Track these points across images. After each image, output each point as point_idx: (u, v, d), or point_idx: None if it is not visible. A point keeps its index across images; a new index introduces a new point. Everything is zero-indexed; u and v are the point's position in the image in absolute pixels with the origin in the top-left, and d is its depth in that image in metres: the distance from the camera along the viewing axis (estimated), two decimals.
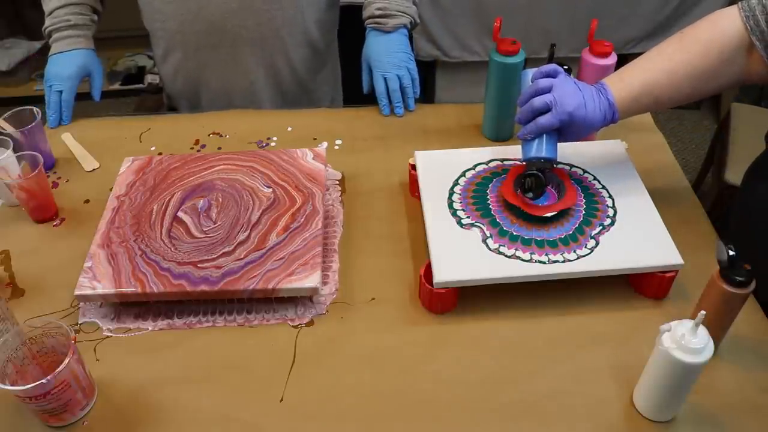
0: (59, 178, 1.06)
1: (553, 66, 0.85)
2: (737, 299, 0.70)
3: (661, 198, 0.90)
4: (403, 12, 1.17)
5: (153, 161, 0.99)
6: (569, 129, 0.83)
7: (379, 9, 1.16)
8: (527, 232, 0.84)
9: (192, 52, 1.20)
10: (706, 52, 0.80)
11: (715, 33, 0.80)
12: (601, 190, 0.90)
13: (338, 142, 1.11)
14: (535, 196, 0.86)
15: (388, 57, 1.14)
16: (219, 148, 1.10)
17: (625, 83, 0.83)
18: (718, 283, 0.70)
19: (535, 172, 0.85)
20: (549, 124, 0.82)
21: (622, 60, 0.89)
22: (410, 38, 1.21)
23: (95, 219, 0.91)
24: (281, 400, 0.75)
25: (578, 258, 0.81)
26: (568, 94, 0.82)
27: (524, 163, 0.87)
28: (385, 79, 1.14)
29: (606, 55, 0.98)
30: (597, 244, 0.83)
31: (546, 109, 0.82)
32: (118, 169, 0.99)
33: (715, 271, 0.71)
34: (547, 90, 0.83)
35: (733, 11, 0.80)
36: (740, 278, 0.69)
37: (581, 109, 0.81)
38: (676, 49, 0.82)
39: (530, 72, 0.89)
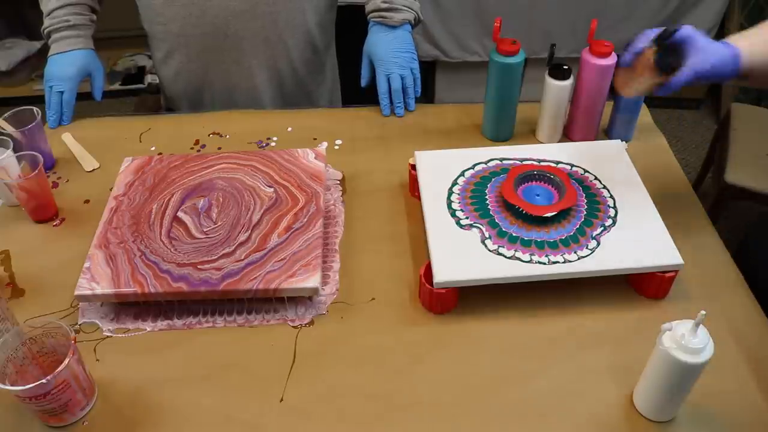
0: (59, 178, 1.06)
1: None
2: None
3: (661, 198, 0.90)
4: (408, 7, 1.17)
5: (152, 161, 0.99)
6: (692, 47, 0.79)
7: (385, 2, 1.15)
8: (527, 233, 0.84)
9: (195, 54, 1.19)
10: None
11: None
12: (602, 190, 0.90)
13: (338, 142, 1.11)
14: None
15: (392, 56, 1.14)
16: (219, 149, 1.10)
17: (745, 37, 0.80)
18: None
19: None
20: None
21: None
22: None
23: (95, 219, 0.91)
24: (281, 400, 0.75)
25: (579, 258, 0.81)
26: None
27: (528, 164, 0.86)
28: (388, 78, 1.14)
29: (606, 55, 0.98)
30: (598, 244, 0.83)
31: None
32: (118, 169, 0.99)
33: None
34: None
35: None
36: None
37: (700, 33, 0.80)
38: None
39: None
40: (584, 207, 0.88)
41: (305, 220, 0.88)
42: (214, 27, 1.15)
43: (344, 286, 0.86)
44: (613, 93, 0.90)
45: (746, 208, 1.66)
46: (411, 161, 0.98)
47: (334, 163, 1.05)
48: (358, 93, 1.25)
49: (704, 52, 0.78)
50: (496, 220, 0.86)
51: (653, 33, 0.81)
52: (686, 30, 0.79)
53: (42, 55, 2.59)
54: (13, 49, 2.63)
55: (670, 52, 0.80)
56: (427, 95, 2.38)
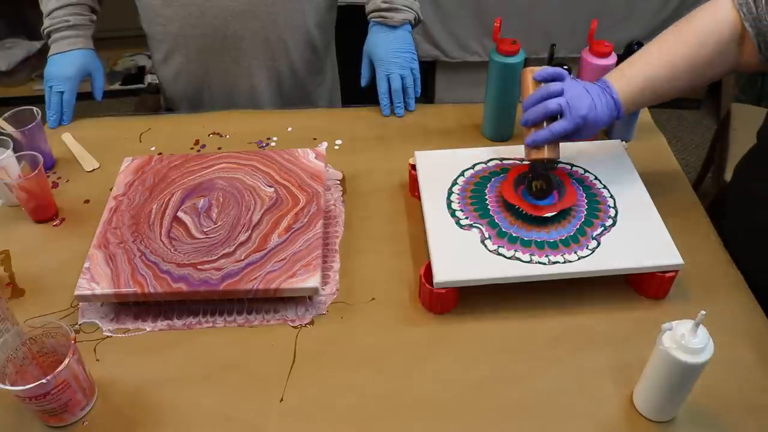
0: (59, 178, 1.06)
1: (557, 69, 0.85)
2: None
3: (661, 198, 0.90)
4: (408, 7, 1.17)
5: (152, 161, 0.99)
6: (579, 131, 0.83)
7: (385, 2, 1.15)
8: (527, 233, 0.84)
9: (194, 55, 1.19)
10: (704, 42, 0.81)
11: (710, 23, 0.81)
12: (602, 190, 0.90)
13: (338, 142, 1.11)
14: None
15: (393, 56, 1.14)
16: (219, 149, 1.10)
17: (627, 79, 0.84)
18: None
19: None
20: (563, 129, 0.81)
21: (622, 60, 0.89)
22: None
23: (95, 219, 0.91)
24: (281, 400, 0.75)
25: (579, 258, 0.81)
26: (579, 97, 0.82)
27: (527, 163, 0.87)
28: (388, 78, 1.14)
29: (606, 55, 0.98)
30: (598, 244, 0.83)
31: (558, 113, 0.82)
32: (118, 169, 0.99)
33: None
34: (558, 93, 0.82)
35: (726, 0, 0.80)
36: None
37: (593, 111, 0.82)
38: (675, 41, 0.83)
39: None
40: (584, 207, 0.88)
41: (305, 220, 0.88)
42: (213, 28, 1.15)
43: (344, 286, 0.86)
44: None
45: None
46: (411, 161, 0.98)
47: (334, 163, 1.05)
48: (358, 93, 1.25)
49: (586, 133, 0.85)
50: (496, 221, 0.86)
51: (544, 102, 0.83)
52: (575, 124, 0.82)
53: (42, 55, 2.59)
54: (13, 49, 2.63)
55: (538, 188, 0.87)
56: (427, 95, 2.38)
